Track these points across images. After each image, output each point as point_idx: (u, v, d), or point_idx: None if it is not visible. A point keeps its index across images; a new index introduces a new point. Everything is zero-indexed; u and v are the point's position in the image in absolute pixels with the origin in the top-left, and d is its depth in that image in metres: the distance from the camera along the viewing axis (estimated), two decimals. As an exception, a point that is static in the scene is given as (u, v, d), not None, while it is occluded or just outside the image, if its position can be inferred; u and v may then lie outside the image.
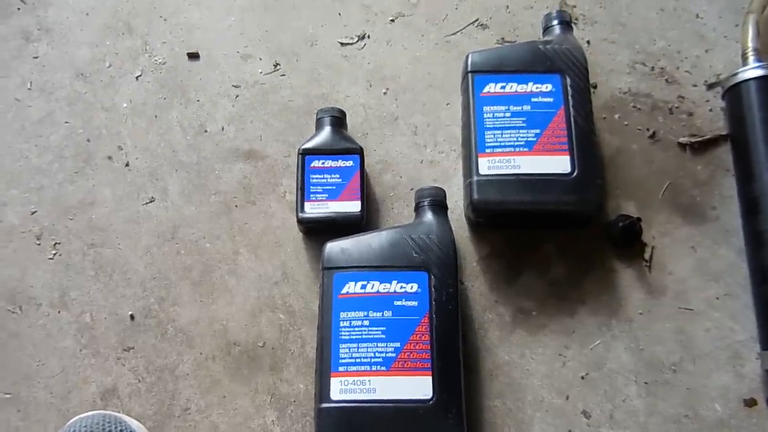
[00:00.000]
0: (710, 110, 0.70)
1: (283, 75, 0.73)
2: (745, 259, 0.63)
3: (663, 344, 0.61)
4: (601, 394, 0.60)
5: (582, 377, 0.60)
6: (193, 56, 0.74)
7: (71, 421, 0.54)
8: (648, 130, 0.70)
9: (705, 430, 0.58)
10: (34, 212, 0.67)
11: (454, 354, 0.55)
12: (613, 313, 0.63)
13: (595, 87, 0.72)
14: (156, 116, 0.71)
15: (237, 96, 0.72)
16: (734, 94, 0.67)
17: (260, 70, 0.73)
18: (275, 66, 0.73)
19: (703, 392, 0.59)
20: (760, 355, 0.60)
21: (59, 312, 0.63)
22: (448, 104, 0.71)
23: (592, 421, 0.59)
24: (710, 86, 0.71)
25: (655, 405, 0.59)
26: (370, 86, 0.72)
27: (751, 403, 0.59)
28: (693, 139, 0.69)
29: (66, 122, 0.71)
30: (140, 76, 0.73)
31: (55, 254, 0.65)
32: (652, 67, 0.72)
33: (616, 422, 0.59)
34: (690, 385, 0.60)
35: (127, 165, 0.69)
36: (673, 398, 0.59)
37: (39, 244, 0.65)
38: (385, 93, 0.72)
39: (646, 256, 0.65)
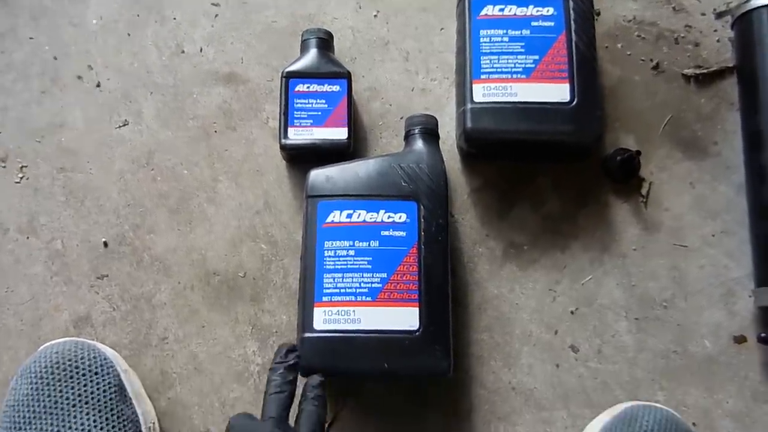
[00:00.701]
0: (717, 41, 0.67)
1: (267, -7, 0.68)
2: (744, 196, 0.61)
3: (655, 280, 0.60)
4: (591, 329, 0.58)
5: (572, 312, 0.59)
6: (169, -30, 0.68)
7: (42, 347, 0.52)
8: (651, 60, 0.66)
9: (693, 366, 0.57)
10: (-2, 133, 0.63)
11: (442, 286, 0.53)
12: (606, 248, 0.61)
13: (598, 14, 0.67)
14: (129, 34, 0.66)
15: (216, 15, 0.67)
16: (744, 22, 0.63)
17: (242, -13, 0.68)
18: (258, -17, 0.68)
19: (693, 329, 0.58)
20: (754, 293, 0.58)
21: (28, 238, 0.60)
22: (442, 29, 0.67)
23: (580, 355, 0.58)
24: (719, 15, 0.67)
25: (644, 341, 0.58)
26: (360, 8, 0.68)
27: (740, 339, 0.58)
28: (698, 71, 0.66)
29: (30, 38, 0.66)
30: (111, -10, 0.67)
31: (22, 178, 0.61)
32: (660, -7, 0.68)
33: (605, 357, 0.58)
34: (680, 322, 0.59)
35: (98, 85, 0.64)
36: (663, 334, 0.58)
37: (4, 167, 0.62)
38: (375, 15, 0.68)
39: (643, 191, 0.62)
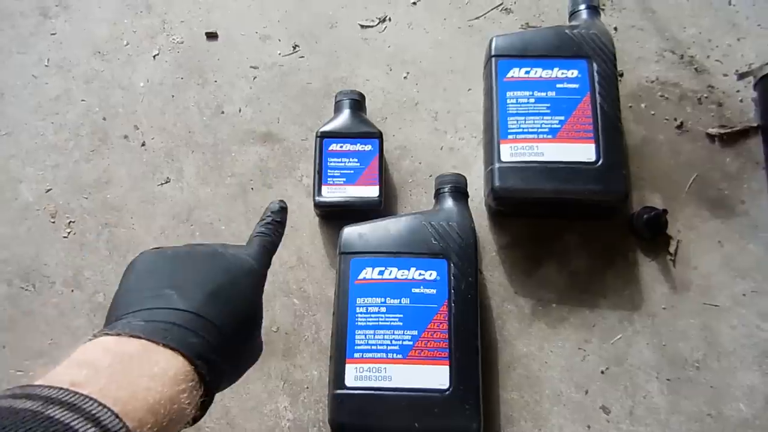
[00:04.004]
0: (740, 101, 0.68)
1: (302, 57, 0.72)
2: (775, 255, 0.61)
3: (686, 341, 0.59)
4: (622, 389, 0.58)
5: (602, 372, 0.59)
6: (212, 36, 0.72)
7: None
8: (675, 120, 0.68)
9: (728, 430, 0.56)
10: (49, 190, 0.66)
11: (472, 344, 0.54)
12: (635, 307, 0.61)
13: (621, 75, 0.70)
14: (173, 96, 0.70)
15: (255, 77, 0.71)
16: (766, 83, 0.65)
17: (279, 52, 0.72)
18: (294, 48, 0.72)
19: (727, 391, 0.58)
20: (788, 354, 0.58)
21: (72, 291, 0.62)
22: (469, 90, 0.70)
23: (612, 417, 0.57)
24: (741, 76, 0.69)
25: (677, 403, 0.57)
26: (391, 70, 0.71)
27: (777, 403, 0.57)
28: (722, 131, 0.67)
29: (82, 100, 0.70)
30: (158, 54, 0.72)
31: (69, 233, 0.64)
32: (682, 56, 0.70)
33: (637, 419, 0.57)
34: (714, 384, 0.58)
35: (143, 145, 0.68)
36: (696, 396, 0.58)
37: (53, 222, 0.65)
38: (405, 77, 0.71)
39: (671, 249, 0.63)
